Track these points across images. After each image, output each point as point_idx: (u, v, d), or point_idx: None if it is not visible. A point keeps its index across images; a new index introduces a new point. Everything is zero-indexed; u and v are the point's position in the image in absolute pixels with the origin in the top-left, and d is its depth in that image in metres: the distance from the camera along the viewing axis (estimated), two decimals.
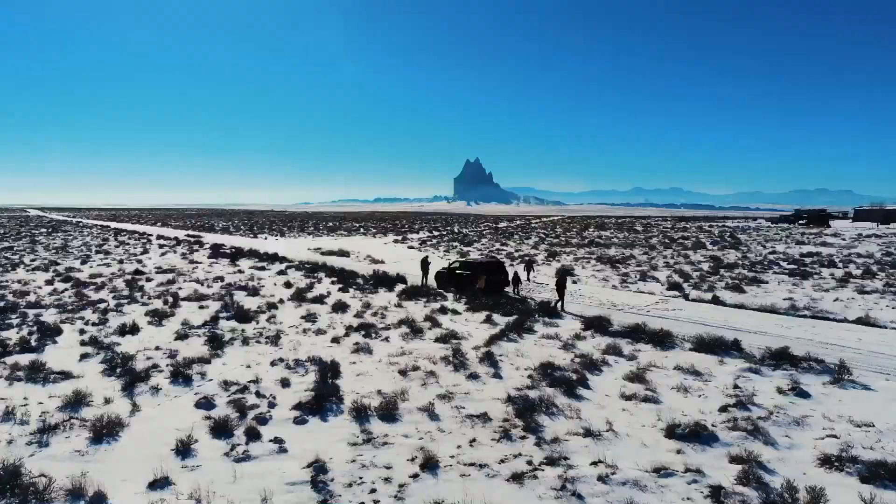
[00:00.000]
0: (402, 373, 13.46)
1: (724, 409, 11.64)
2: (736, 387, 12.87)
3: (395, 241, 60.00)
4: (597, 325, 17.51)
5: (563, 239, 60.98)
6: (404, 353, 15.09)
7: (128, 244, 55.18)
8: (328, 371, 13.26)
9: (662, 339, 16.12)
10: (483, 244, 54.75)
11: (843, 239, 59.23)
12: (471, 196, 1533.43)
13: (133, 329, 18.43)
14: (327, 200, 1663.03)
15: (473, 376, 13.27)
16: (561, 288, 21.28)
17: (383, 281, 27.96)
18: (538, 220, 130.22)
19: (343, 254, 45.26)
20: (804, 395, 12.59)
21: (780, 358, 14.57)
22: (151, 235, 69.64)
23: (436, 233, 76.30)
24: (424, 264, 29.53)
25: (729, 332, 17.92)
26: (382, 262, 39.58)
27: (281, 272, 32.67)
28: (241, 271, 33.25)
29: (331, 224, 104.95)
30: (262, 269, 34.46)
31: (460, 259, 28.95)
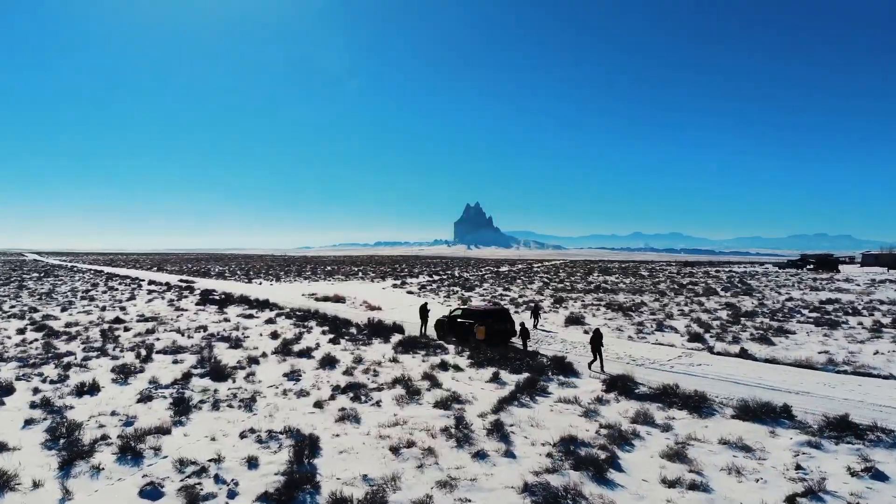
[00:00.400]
0: (394, 450, 11.17)
1: (791, 500, 9.41)
2: (798, 467, 10.63)
3: (394, 286, 57.89)
4: (620, 385, 15.27)
5: (567, 284, 58.84)
6: (398, 423, 12.80)
7: (116, 290, 53.08)
8: (305, 447, 11.03)
9: (698, 404, 13.88)
10: (485, 289, 52.65)
11: (858, 285, 57.14)
12: (471, 239, 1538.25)
13: (93, 388, 16.29)
14: (328, 244, 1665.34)
15: (480, 455, 10.99)
16: (596, 346, 18.71)
17: (378, 330, 25.78)
18: (540, 264, 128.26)
19: (338, 300, 43.16)
20: (881, 476, 10.38)
21: (842, 428, 12.35)
22: (143, 280, 67.62)
23: (436, 277, 74.22)
24: (423, 312, 27.42)
25: (766, 391, 15.85)
26: (379, 308, 37.45)
27: (269, 321, 30.50)
28: (227, 320, 31.07)
29: (329, 268, 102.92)
30: (251, 317, 32.30)
31: (462, 307, 26.76)
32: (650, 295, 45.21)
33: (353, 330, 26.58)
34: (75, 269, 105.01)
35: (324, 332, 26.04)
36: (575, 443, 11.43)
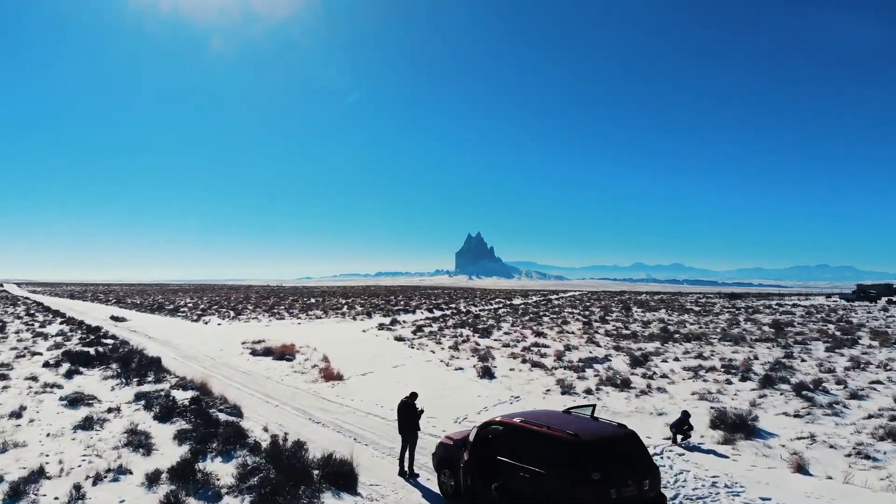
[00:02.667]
0: None
1: None
2: None
3: (380, 327, 42.25)
4: None
5: (620, 326, 42.84)
6: None
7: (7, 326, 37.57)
8: None
9: None
10: (507, 333, 37.10)
11: None
12: (472, 270, 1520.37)
13: None
14: (328, 275, 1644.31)
15: None
16: None
17: (286, 482, 10.31)
18: (557, 296, 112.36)
19: (284, 355, 27.71)
20: None
21: None
22: (62, 317, 52.40)
23: (437, 313, 58.56)
24: (407, 414, 12.01)
25: None
26: (339, 377, 21.95)
27: (106, 414, 15.13)
28: (14, 411, 15.64)
29: (312, 300, 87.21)
30: (88, 402, 16.92)
31: (509, 419, 10.50)
32: (765, 345, 29.64)
33: (232, 470, 11.16)
34: (17, 300, 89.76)
35: (151, 488, 10.59)
36: None
